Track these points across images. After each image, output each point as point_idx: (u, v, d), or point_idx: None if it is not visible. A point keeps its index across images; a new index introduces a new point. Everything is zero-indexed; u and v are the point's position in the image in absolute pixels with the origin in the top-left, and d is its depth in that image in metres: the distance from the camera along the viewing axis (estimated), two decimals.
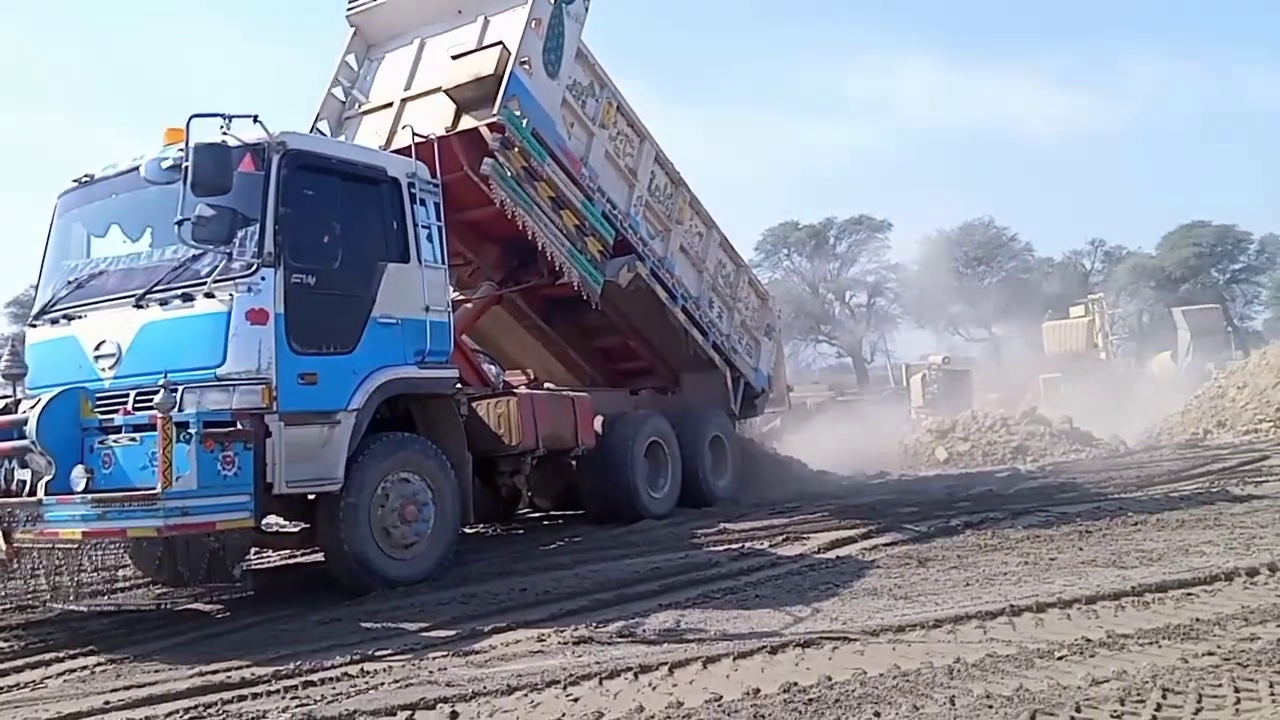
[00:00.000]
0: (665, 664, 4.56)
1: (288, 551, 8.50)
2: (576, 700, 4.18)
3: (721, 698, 4.04)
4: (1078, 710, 3.67)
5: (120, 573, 6.71)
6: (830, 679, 4.18)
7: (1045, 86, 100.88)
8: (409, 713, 4.11)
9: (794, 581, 6.50)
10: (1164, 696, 3.74)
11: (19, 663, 5.42)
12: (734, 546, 8.06)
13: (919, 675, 4.17)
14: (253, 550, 7.84)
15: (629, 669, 4.51)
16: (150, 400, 5.80)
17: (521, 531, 10.23)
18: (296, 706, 4.29)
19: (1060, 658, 4.34)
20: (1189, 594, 5.42)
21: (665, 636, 5.16)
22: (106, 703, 4.51)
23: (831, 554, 7.50)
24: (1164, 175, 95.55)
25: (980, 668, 4.25)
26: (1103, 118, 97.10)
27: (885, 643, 4.77)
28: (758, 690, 4.10)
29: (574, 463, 9.64)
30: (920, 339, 54.96)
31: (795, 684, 4.14)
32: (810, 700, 3.93)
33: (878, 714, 3.77)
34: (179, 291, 6.33)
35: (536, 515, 11.10)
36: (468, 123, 8.61)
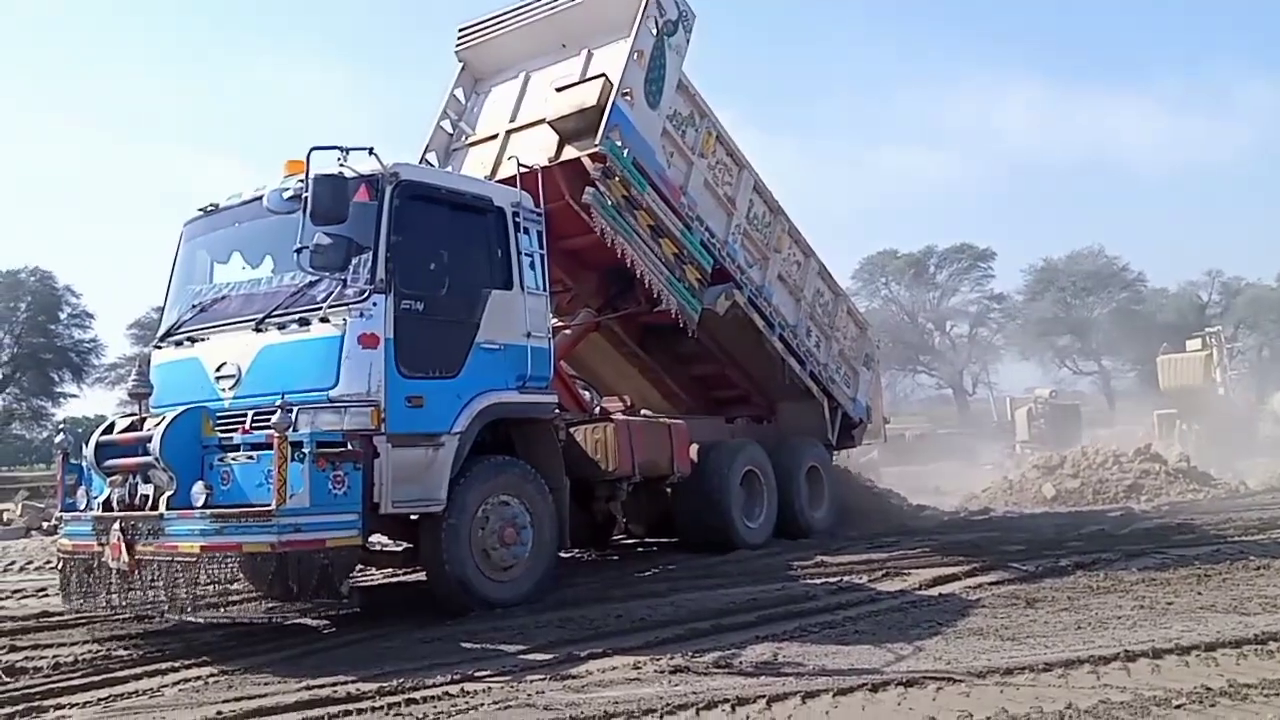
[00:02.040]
0: (763, 697, 4.51)
1: (390, 570, 8.71)
2: None
3: None
4: None
5: (233, 586, 6.93)
6: None
7: (1153, 113, 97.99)
8: None
9: (895, 618, 6.36)
10: None
11: (137, 670, 5.65)
12: (832, 580, 7.92)
13: None
14: (357, 568, 8.04)
15: (726, 700, 4.47)
16: (267, 420, 6.04)
17: (616, 558, 10.25)
18: None
19: (1178, 706, 4.16)
20: None
21: (762, 669, 5.10)
22: (219, 713, 4.66)
23: (934, 591, 7.31)
24: None
25: (1093, 714, 4.09)
26: (1215, 145, 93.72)
27: (992, 685, 4.62)
28: None
29: (669, 490, 9.63)
30: (1025, 371, 53.34)
31: None
32: None
33: None
34: (296, 316, 6.59)
35: (631, 542, 11.10)
36: (570, 153, 8.77)
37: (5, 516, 17.18)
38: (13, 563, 11.63)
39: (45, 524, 16.04)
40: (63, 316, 47.92)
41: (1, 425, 48.53)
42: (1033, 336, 53.10)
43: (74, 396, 49.39)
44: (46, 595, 8.65)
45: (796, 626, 6.11)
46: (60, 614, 7.27)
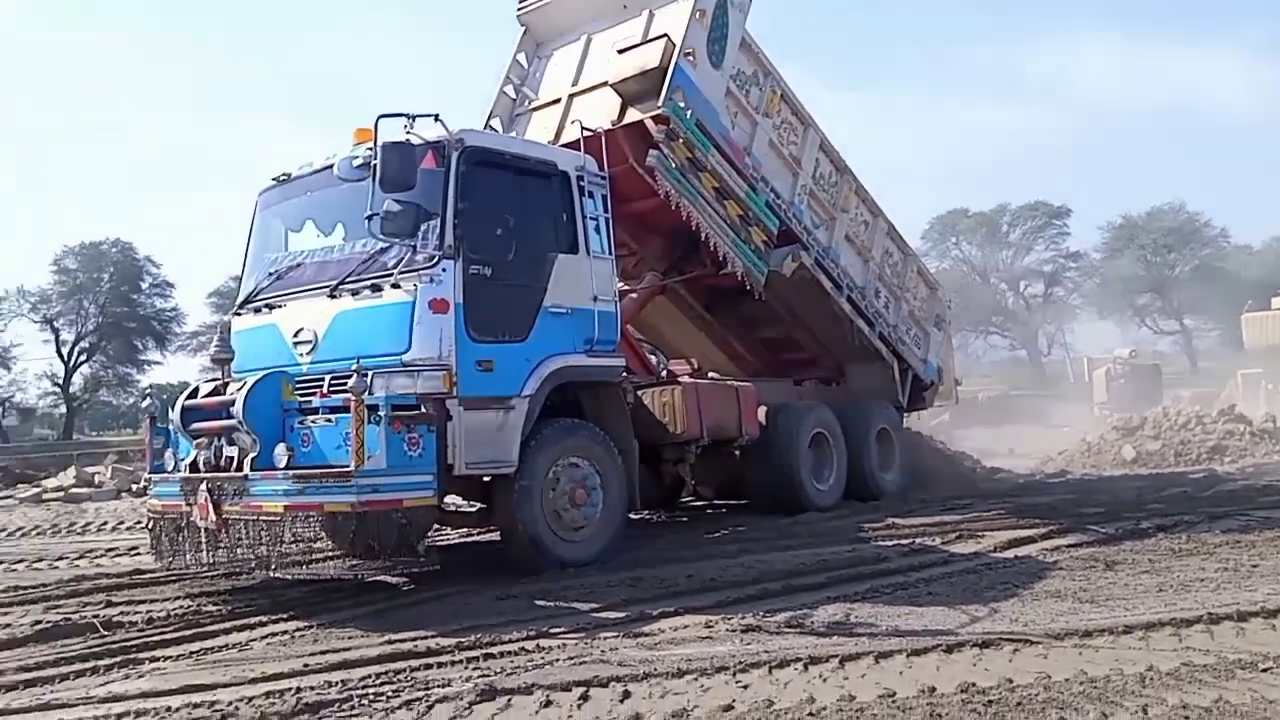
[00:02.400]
0: (835, 656, 4.52)
1: (465, 530, 8.90)
2: (746, 687, 4.19)
3: (895, 694, 3.97)
4: None
5: (315, 545, 7.17)
6: (1011, 681, 4.04)
7: (1239, 59, 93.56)
8: (583, 689, 4.22)
9: (969, 580, 6.30)
10: None
11: (226, 625, 5.88)
12: (903, 542, 7.88)
13: (1108, 682, 3.98)
14: (434, 527, 8.23)
15: (798, 659, 4.49)
16: (343, 384, 6.19)
17: (685, 519, 10.31)
18: (479, 676, 4.48)
19: (1265, 670, 4.08)
20: None
21: (834, 629, 5.11)
22: (306, 665, 4.84)
23: (1009, 553, 7.22)
24: None
25: (1175, 677, 4.02)
26: None
27: (1070, 647, 4.57)
28: (933, 689, 4.00)
29: (737, 453, 9.63)
30: (1103, 331, 51.83)
31: (973, 684, 4.02)
32: (990, 702, 3.81)
33: (1063, 719, 3.61)
34: (369, 282, 6.71)
35: (700, 504, 11.15)
36: (633, 115, 8.72)
37: (96, 479, 17.89)
38: (105, 523, 12.15)
39: (134, 486, 16.68)
40: (144, 286, 49.55)
41: (90, 392, 50.45)
42: (1111, 295, 51.68)
43: (158, 363, 51.17)
44: (138, 554, 9.02)
45: (868, 588, 6.10)
46: (152, 571, 7.59)
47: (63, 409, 48.81)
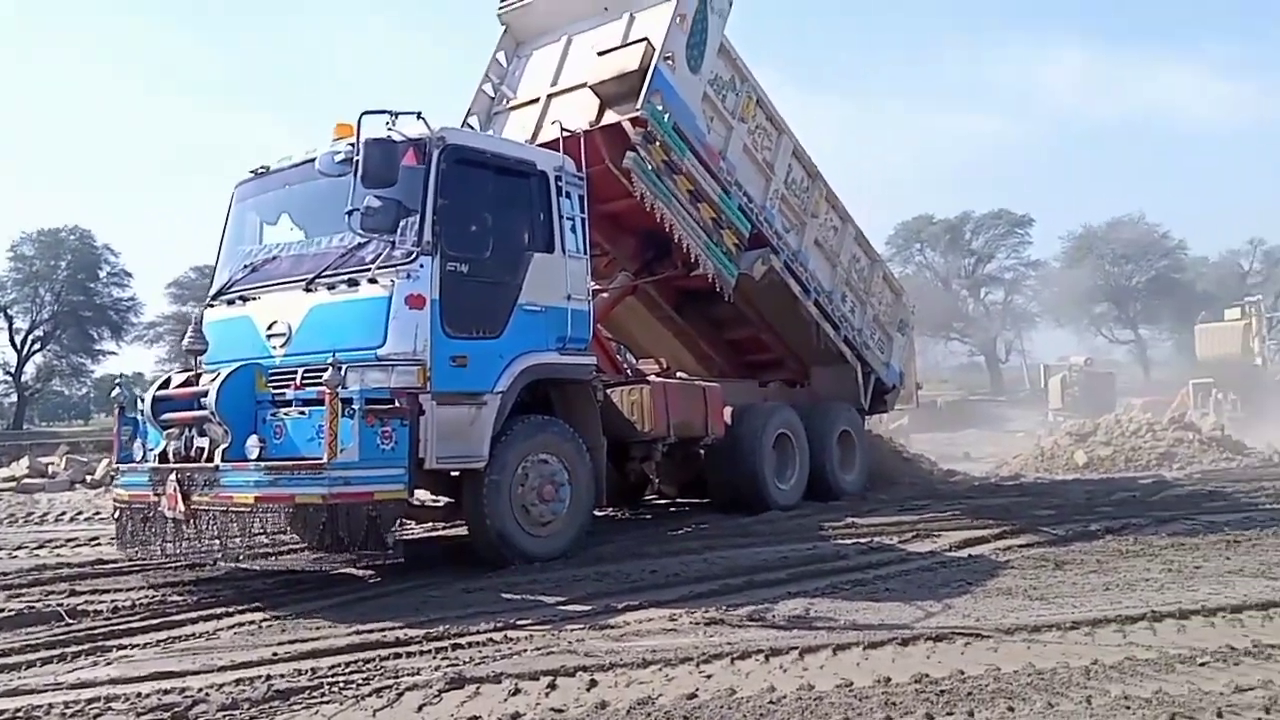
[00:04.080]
0: (795, 648, 4.67)
1: (430, 524, 8.97)
2: (709, 677, 4.32)
3: (852, 684, 4.12)
4: (1219, 715, 3.63)
5: (279, 538, 7.21)
6: (963, 673, 4.21)
7: (1204, 76, 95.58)
8: (551, 678, 4.33)
9: (924, 577, 6.50)
10: None
11: (193, 615, 5.91)
12: (862, 540, 8.07)
13: (1054, 674, 4.16)
14: (399, 521, 8.29)
15: (760, 651, 4.64)
16: (317, 377, 6.25)
17: (649, 517, 10.44)
18: (447, 666, 4.58)
19: (1203, 664, 4.27)
20: None
21: (795, 623, 5.26)
22: (274, 654, 4.90)
23: (963, 552, 7.43)
24: None
25: (1118, 670, 4.21)
26: (1265, 111, 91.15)
27: (1020, 641, 4.76)
28: (889, 679, 4.16)
29: (702, 451, 9.79)
30: (1060, 339, 52.90)
31: (927, 675, 4.18)
32: (942, 692, 3.97)
33: (1011, 709, 3.78)
34: (345, 277, 6.76)
35: (663, 502, 11.29)
36: (611, 117, 8.84)
37: (50, 470, 17.66)
38: (62, 513, 12.03)
39: (89, 477, 16.51)
40: (102, 275, 48.83)
41: (43, 381, 49.62)
42: (1069, 304, 52.67)
43: (113, 353, 50.54)
44: (99, 544, 9.00)
45: (828, 584, 6.27)
46: (114, 561, 7.60)
47: (13, 398, 47.95)
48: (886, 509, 10.09)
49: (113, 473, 7.97)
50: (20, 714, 4.07)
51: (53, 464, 18.32)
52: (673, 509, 10.94)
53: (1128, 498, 10.78)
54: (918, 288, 45.92)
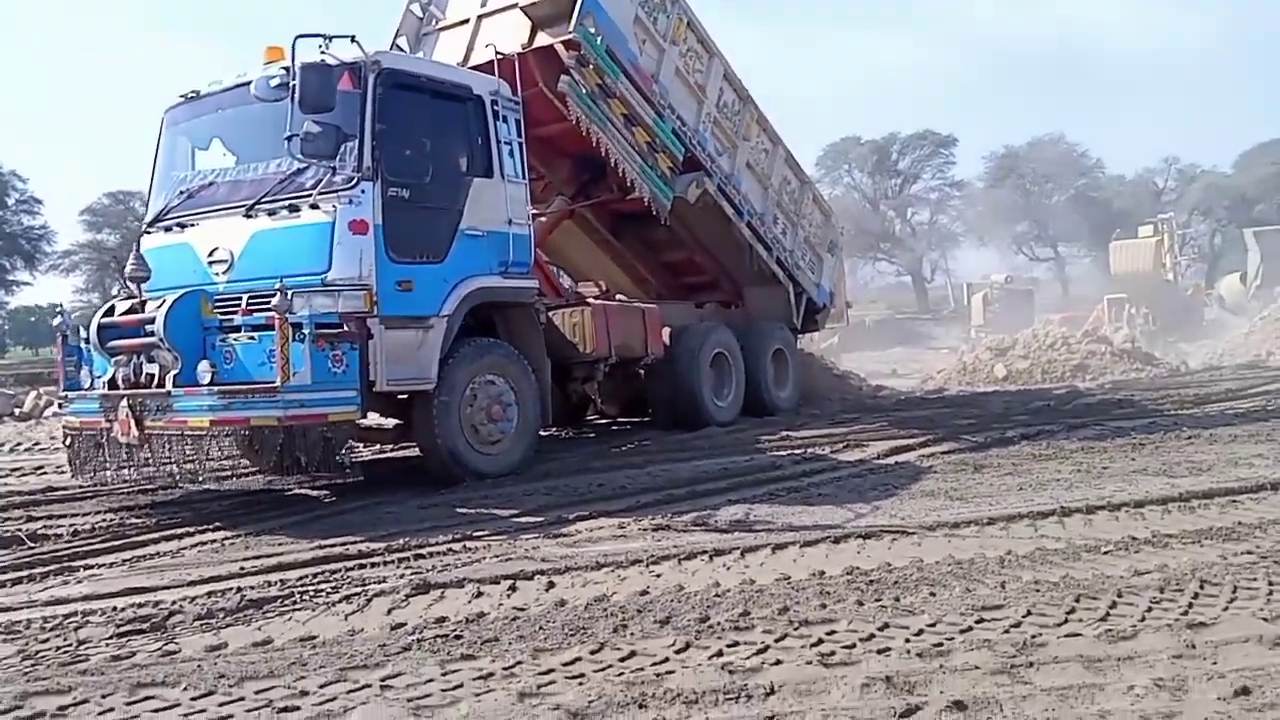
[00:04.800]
0: (737, 549, 5.03)
1: (378, 446, 9.14)
2: (659, 576, 4.65)
3: (790, 577, 4.49)
4: (1119, 595, 4.03)
5: (232, 461, 7.33)
6: (889, 565, 4.61)
7: None
8: (511, 581, 4.62)
9: (854, 483, 6.92)
10: (1201, 587, 4.07)
11: (155, 535, 6.04)
12: (796, 451, 8.48)
13: (972, 564, 4.58)
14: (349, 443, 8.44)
15: (705, 552, 4.99)
16: (265, 303, 6.32)
17: (593, 435, 10.75)
18: (411, 574, 4.83)
19: (1105, 552, 4.70)
20: (1234, 501, 5.73)
21: (736, 527, 5.63)
22: (242, 568, 5.08)
23: (890, 460, 7.89)
24: (1245, 92, 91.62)
25: (1030, 559, 4.64)
26: (1183, 32, 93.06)
27: (941, 537, 5.18)
28: (823, 572, 4.54)
29: (642, 371, 10.07)
30: (983, 258, 54.28)
31: (857, 568, 4.58)
32: (871, 581, 4.36)
33: (933, 594, 4.17)
34: (286, 203, 6.78)
35: (604, 421, 11.61)
36: (544, 40, 8.83)
37: None
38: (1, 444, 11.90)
39: (17, 410, 16.22)
40: (10, 202, 46.77)
41: None
42: (991, 223, 53.90)
43: (27, 284, 48.68)
44: (44, 473, 9.00)
45: (765, 491, 6.66)
46: (66, 488, 7.65)
47: None
48: (818, 423, 10.55)
49: (60, 400, 7.95)
50: (1, 629, 4.22)
51: None
52: (615, 427, 11.26)
53: (1043, 407, 11.39)
54: (846, 209, 46.60)
